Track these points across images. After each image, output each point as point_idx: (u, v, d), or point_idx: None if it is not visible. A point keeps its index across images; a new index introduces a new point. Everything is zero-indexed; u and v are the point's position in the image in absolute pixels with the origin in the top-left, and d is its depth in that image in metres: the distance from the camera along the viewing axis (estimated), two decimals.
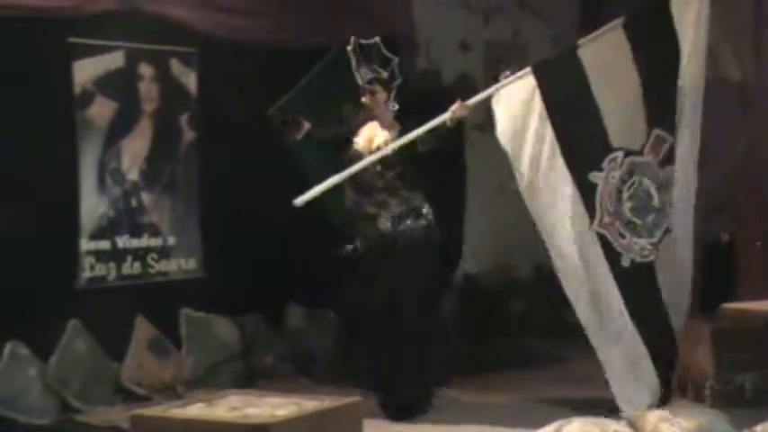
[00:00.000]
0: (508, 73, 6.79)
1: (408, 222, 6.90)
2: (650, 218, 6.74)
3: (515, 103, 6.64)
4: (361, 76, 6.95)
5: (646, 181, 6.74)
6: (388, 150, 6.82)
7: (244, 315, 8.12)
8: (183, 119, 7.94)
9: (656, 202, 6.75)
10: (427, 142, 6.82)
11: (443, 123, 6.76)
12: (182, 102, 7.92)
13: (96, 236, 7.47)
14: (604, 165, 6.66)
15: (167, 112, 7.84)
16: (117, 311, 7.42)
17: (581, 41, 6.72)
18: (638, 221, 6.72)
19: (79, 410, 7.09)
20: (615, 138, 6.69)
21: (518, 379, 8.00)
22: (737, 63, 8.83)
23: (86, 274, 7.42)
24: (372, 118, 7.02)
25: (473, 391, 7.15)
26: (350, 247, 6.98)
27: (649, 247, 6.72)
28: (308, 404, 5.18)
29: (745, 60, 8.63)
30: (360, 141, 6.98)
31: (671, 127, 6.72)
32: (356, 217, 6.99)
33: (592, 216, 6.63)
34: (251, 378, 7.85)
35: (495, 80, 6.86)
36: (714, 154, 7.62)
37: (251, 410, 5.07)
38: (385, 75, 6.96)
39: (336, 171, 6.88)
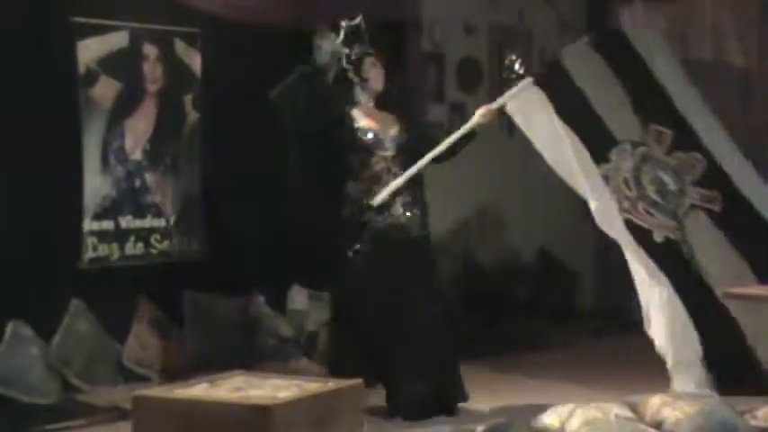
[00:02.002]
0: (513, 57, 6.85)
1: (415, 211, 6.85)
2: (670, 202, 6.87)
3: (533, 110, 6.78)
4: (357, 50, 6.90)
5: (658, 170, 6.92)
6: (429, 158, 6.75)
7: (247, 296, 8.12)
8: (187, 99, 7.91)
9: (671, 187, 6.91)
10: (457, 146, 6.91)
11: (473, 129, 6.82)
12: (186, 82, 7.89)
13: (99, 216, 7.45)
14: (612, 156, 6.87)
15: (171, 92, 7.81)
16: (119, 292, 7.42)
17: (560, 53, 7.04)
18: (661, 202, 6.88)
19: (81, 390, 7.09)
20: (618, 131, 6.93)
21: (522, 364, 8.00)
22: (742, 51, 8.83)
23: (89, 254, 7.41)
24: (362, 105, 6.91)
25: (476, 375, 7.13)
26: (358, 246, 6.87)
27: (674, 225, 6.84)
28: (311, 386, 5.17)
29: (749, 52, 8.64)
30: (367, 123, 6.82)
31: (667, 120, 6.95)
32: (364, 206, 6.81)
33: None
34: (254, 359, 7.84)
35: (501, 63, 6.86)
36: None
37: (253, 392, 5.06)
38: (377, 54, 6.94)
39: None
